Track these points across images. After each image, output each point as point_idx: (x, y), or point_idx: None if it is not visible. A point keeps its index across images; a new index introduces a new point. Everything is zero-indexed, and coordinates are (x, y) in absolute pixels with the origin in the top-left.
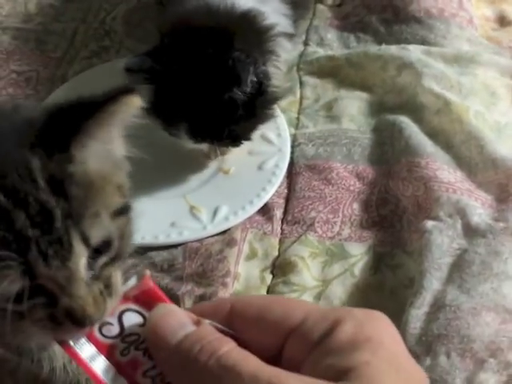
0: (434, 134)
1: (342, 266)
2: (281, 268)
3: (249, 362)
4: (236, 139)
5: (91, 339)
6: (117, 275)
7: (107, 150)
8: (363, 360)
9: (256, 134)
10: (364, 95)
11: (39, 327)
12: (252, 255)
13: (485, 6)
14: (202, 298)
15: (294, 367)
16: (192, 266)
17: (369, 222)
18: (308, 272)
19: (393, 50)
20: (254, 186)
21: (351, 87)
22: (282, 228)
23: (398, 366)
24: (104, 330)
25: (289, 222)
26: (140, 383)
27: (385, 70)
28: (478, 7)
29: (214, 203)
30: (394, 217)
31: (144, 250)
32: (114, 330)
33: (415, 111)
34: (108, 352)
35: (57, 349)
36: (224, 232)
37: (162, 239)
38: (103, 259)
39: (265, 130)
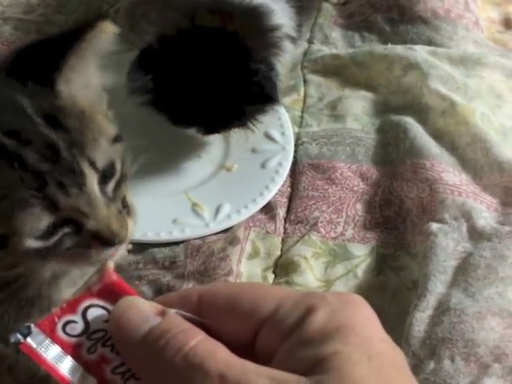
0: (439, 136)
1: (344, 267)
2: (283, 268)
3: (217, 359)
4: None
5: (55, 339)
6: (129, 194)
7: (89, 79)
8: (333, 350)
9: (259, 132)
10: (369, 95)
11: (67, 257)
12: (254, 254)
13: (491, 8)
14: None
15: (268, 357)
16: (194, 263)
17: (372, 223)
18: (311, 272)
19: (399, 49)
20: (257, 185)
21: (356, 87)
22: (284, 227)
23: (371, 352)
24: (68, 329)
25: (292, 221)
26: (110, 380)
27: (390, 70)
28: (483, 9)
29: (217, 201)
30: (397, 218)
31: (145, 247)
32: (79, 327)
33: (420, 112)
34: (74, 351)
35: None
36: (226, 230)
37: (164, 236)
38: (112, 183)
39: (268, 128)
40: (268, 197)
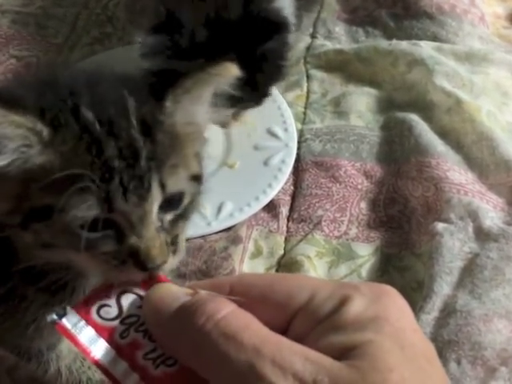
0: (444, 133)
1: (348, 267)
2: (286, 267)
3: (252, 331)
4: (261, 95)
5: (90, 322)
6: (183, 236)
7: (197, 111)
8: (367, 339)
9: (261, 128)
10: (373, 91)
11: (100, 261)
12: (257, 253)
13: (496, 4)
14: None
15: (299, 342)
16: (195, 263)
17: (376, 222)
18: (314, 272)
19: (404, 45)
20: (260, 182)
21: (360, 83)
22: (287, 226)
23: (403, 342)
24: (102, 313)
25: (295, 219)
26: (141, 365)
27: (395, 65)
28: (489, 4)
29: (219, 199)
30: (402, 217)
31: None
32: (113, 312)
33: (425, 109)
34: (107, 335)
35: (63, 347)
36: (229, 229)
37: None
38: (171, 214)
39: (271, 124)
40: (271, 195)
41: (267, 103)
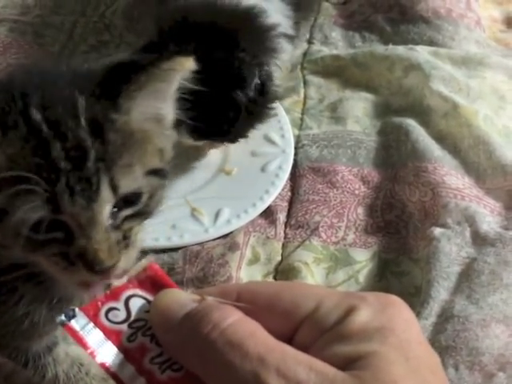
0: (441, 138)
1: (346, 273)
2: (284, 273)
3: (257, 340)
4: (234, 137)
5: (98, 325)
6: (138, 230)
7: (156, 107)
8: (371, 349)
9: (258, 135)
10: (369, 96)
11: (51, 262)
12: (254, 260)
13: (492, 7)
14: None
15: (304, 351)
16: (193, 270)
17: (374, 228)
18: (312, 278)
19: (400, 50)
20: (257, 189)
21: (356, 88)
22: (285, 232)
23: (408, 353)
24: (111, 316)
25: (292, 226)
26: (147, 370)
27: (391, 70)
28: (485, 8)
29: (216, 206)
30: (399, 222)
31: (143, 253)
32: (121, 315)
33: (422, 114)
34: (115, 338)
35: (60, 351)
36: (226, 235)
37: (163, 242)
38: (127, 211)
39: (268, 130)
40: (268, 201)
41: None
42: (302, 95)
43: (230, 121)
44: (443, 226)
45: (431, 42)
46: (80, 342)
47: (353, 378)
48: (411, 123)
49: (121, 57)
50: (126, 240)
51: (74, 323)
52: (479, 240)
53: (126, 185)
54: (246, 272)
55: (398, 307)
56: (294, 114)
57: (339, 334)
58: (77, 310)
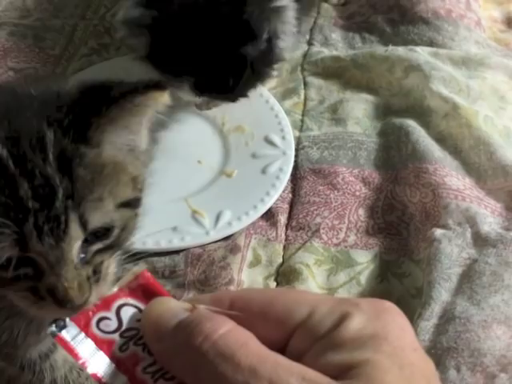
0: (441, 139)
1: (347, 274)
2: (285, 275)
3: (249, 351)
4: (236, 95)
5: (89, 334)
6: (109, 263)
7: (128, 139)
8: (364, 358)
9: (259, 136)
10: (370, 97)
11: (21, 297)
12: (256, 262)
13: (492, 7)
14: None
15: (297, 359)
16: (194, 272)
17: (375, 229)
18: (313, 280)
19: (400, 51)
20: (258, 191)
21: (357, 89)
22: (286, 234)
23: (402, 361)
24: (102, 325)
25: (293, 227)
26: (140, 379)
27: (391, 71)
28: (485, 8)
29: (217, 208)
30: (400, 224)
31: (145, 256)
32: (113, 324)
33: (422, 115)
34: (107, 347)
35: (58, 357)
36: (227, 238)
37: (164, 245)
38: (98, 245)
39: (268, 132)
40: (269, 203)
41: (265, 111)
42: (302, 97)
43: (236, 77)
44: (444, 227)
45: (431, 43)
46: (71, 352)
47: None
48: (411, 124)
49: (92, 79)
50: (96, 274)
51: (64, 333)
52: (480, 241)
53: (96, 220)
54: (247, 274)
55: (392, 314)
56: (295, 116)
57: (332, 342)
58: (68, 320)
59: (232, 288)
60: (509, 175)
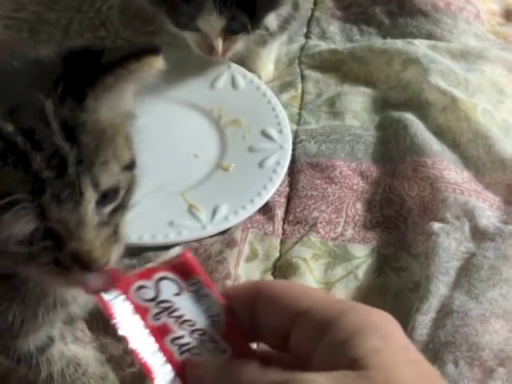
0: (440, 132)
1: (345, 269)
2: (282, 270)
3: None
4: (254, 26)
5: (128, 298)
6: (123, 223)
7: (121, 103)
8: (375, 347)
9: (256, 130)
10: (368, 91)
11: (46, 271)
12: (253, 256)
13: (491, 0)
14: None
15: (302, 355)
16: None
17: (372, 223)
18: (310, 274)
19: (398, 44)
20: (255, 185)
21: (355, 82)
22: (283, 228)
23: (410, 356)
24: (140, 293)
25: (290, 222)
26: (167, 349)
27: (390, 64)
28: (484, 1)
29: (214, 202)
30: (398, 217)
31: (141, 250)
32: (150, 293)
33: (421, 108)
34: (142, 313)
35: (55, 351)
36: (224, 232)
37: (160, 239)
38: (109, 207)
39: (265, 126)
40: (266, 197)
41: (262, 105)
42: (299, 90)
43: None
44: (442, 220)
45: (430, 36)
46: (107, 311)
47: (362, 379)
48: (410, 117)
49: (69, 44)
50: (115, 235)
51: (107, 296)
52: (478, 235)
53: (106, 181)
54: (244, 269)
55: (389, 318)
56: (292, 109)
57: (338, 336)
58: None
59: (229, 282)
60: (507, 168)
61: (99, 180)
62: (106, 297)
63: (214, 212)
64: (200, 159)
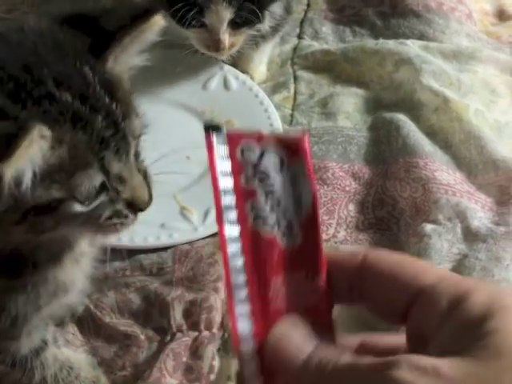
0: (432, 133)
1: None
2: None
3: None
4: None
5: (231, 151)
6: (146, 167)
7: (129, 60)
8: (493, 327)
9: None
10: (360, 91)
11: (106, 226)
12: None
13: (484, 0)
14: (192, 303)
15: (421, 334)
16: (182, 269)
17: (365, 224)
18: None
19: (390, 44)
20: None
21: (347, 83)
22: None
23: None
24: (245, 153)
25: None
26: (245, 214)
27: (382, 65)
28: (476, 1)
29: (206, 204)
30: (390, 219)
31: (132, 253)
32: (253, 157)
33: (413, 109)
34: (237, 171)
35: (49, 355)
36: (215, 234)
37: (152, 241)
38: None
39: (257, 126)
40: None
41: (254, 106)
42: (292, 91)
43: None
44: (434, 222)
45: (422, 36)
46: (210, 154)
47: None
48: (402, 118)
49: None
50: (146, 179)
51: (214, 137)
52: (470, 236)
53: (138, 130)
54: None
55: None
56: (284, 110)
57: (461, 318)
58: (225, 129)
59: (220, 285)
60: (499, 169)
61: (135, 130)
62: (215, 140)
63: (206, 214)
64: (192, 161)
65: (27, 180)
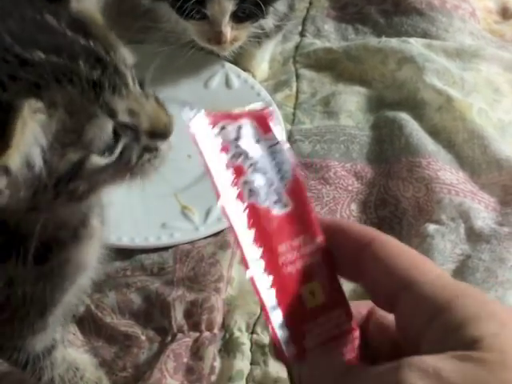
0: (435, 132)
1: None
2: None
3: None
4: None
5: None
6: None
7: None
8: (491, 332)
9: None
10: (363, 90)
11: (142, 166)
12: None
13: None
14: (193, 303)
15: (409, 328)
16: (183, 269)
17: (367, 224)
18: None
19: (393, 43)
20: None
21: (349, 81)
22: None
23: None
24: (225, 131)
25: None
26: (241, 190)
27: (385, 63)
28: None
29: (207, 203)
30: (393, 219)
31: (133, 253)
32: (232, 134)
33: (416, 108)
34: (224, 148)
35: (58, 355)
36: (217, 234)
37: (153, 241)
38: (137, 82)
39: None
40: None
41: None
42: (294, 89)
43: None
44: (437, 222)
45: (425, 34)
46: (195, 141)
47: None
48: (405, 117)
49: None
50: (158, 103)
51: (194, 121)
52: (474, 236)
53: (129, 58)
54: (237, 271)
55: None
56: (287, 109)
57: (452, 319)
58: (203, 111)
59: (222, 285)
60: (503, 169)
61: (125, 59)
62: (189, 116)
63: (207, 213)
64: (193, 159)
65: (38, 159)
